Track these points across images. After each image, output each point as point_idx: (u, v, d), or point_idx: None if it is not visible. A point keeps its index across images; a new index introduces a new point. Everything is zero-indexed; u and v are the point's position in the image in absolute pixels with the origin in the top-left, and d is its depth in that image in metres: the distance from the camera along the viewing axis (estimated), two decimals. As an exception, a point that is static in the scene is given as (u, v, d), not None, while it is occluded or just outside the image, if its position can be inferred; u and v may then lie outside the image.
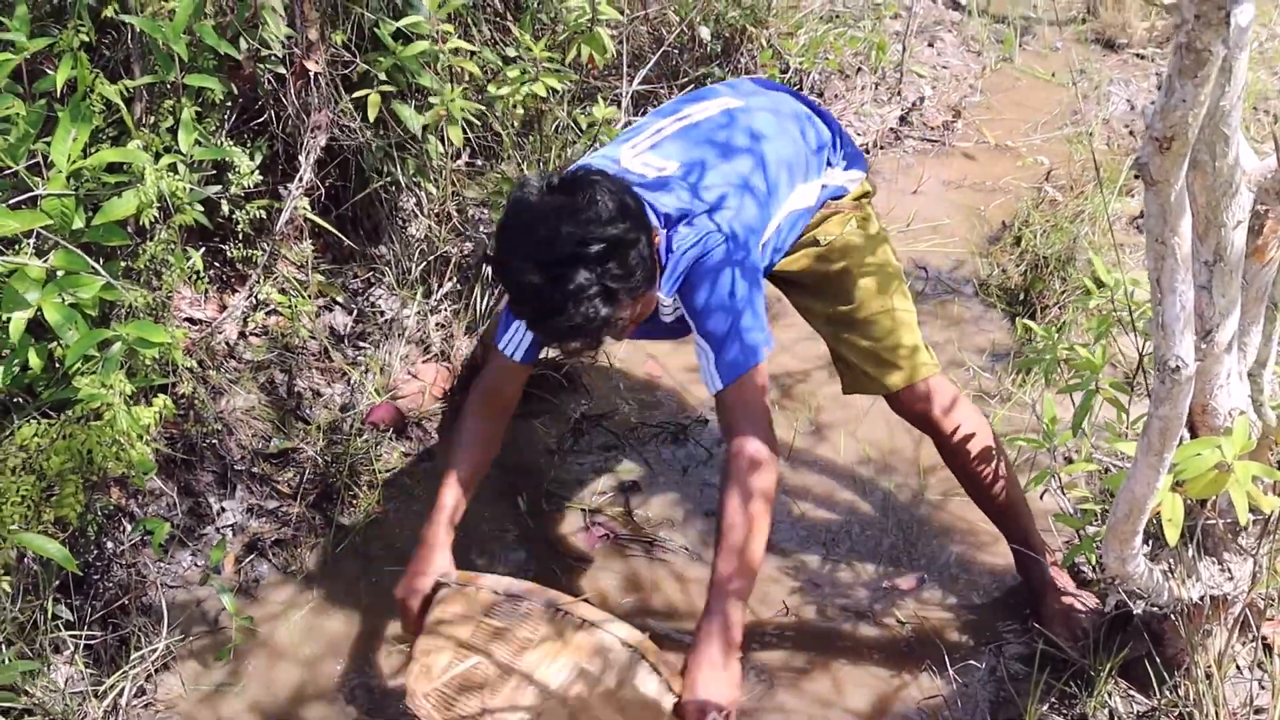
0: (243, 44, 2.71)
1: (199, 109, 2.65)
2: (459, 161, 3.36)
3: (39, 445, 2.14)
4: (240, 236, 2.91)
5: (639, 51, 3.66)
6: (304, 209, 2.93)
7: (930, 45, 4.83)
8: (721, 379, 2.14)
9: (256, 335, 3.04)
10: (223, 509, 2.76)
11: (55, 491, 2.16)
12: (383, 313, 3.19)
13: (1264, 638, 2.27)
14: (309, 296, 3.03)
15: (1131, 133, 4.38)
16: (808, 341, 2.97)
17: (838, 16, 4.29)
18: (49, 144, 2.27)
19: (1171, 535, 1.74)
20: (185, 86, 2.57)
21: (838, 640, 2.57)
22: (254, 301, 2.96)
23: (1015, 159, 4.18)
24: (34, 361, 2.30)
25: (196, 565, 2.67)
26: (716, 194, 2.21)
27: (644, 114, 3.13)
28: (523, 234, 1.99)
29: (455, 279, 3.23)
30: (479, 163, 3.49)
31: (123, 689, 2.33)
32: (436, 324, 3.19)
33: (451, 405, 3.04)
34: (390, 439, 2.94)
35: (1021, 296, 3.50)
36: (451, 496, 2.24)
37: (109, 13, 2.46)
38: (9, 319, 2.20)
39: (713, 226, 2.16)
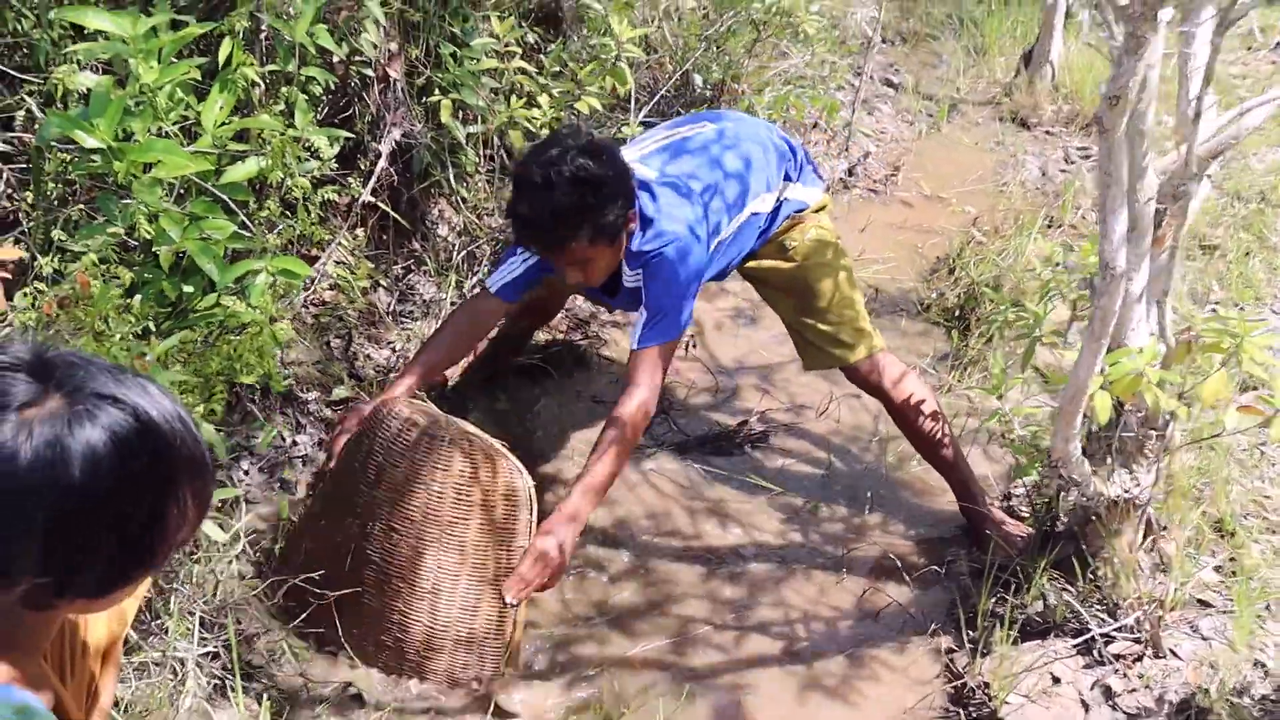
0: (344, 47, 3.23)
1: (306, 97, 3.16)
2: (485, 176, 3.90)
3: (194, 349, 2.60)
4: (311, 215, 3.39)
5: (640, 92, 4.26)
6: (369, 198, 3.43)
7: (870, 114, 5.54)
8: (641, 341, 2.72)
9: (315, 305, 3.51)
10: (295, 441, 3.21)
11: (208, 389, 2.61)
12: (422, 295, 3.69)
13: (1160, 549, 2.87)
14: (361, 276, 3.51)
15: (1043, 192, 5.10)
16: (782, 343, 3.54)
17: (801, 78, 4.97)
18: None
19: (1102, 415, 2.32)
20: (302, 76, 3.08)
21: (819, 561, 3.11)
22: (320, 274, 3.44)
23: (946, 207, 4.87)
24: (168, 291, 2.76)
25: (270, 487, 3.11)
26: (689, 201, 2.77)
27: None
28: (546, 145, 2.64)
29: (488, 267, 3.75)
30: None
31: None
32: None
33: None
34: (433, 398, 3.42)
35: (957, 313, 4.14)
36: (406, 380, 2.82)
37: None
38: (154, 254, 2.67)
39: (678, 229, 2.73)
